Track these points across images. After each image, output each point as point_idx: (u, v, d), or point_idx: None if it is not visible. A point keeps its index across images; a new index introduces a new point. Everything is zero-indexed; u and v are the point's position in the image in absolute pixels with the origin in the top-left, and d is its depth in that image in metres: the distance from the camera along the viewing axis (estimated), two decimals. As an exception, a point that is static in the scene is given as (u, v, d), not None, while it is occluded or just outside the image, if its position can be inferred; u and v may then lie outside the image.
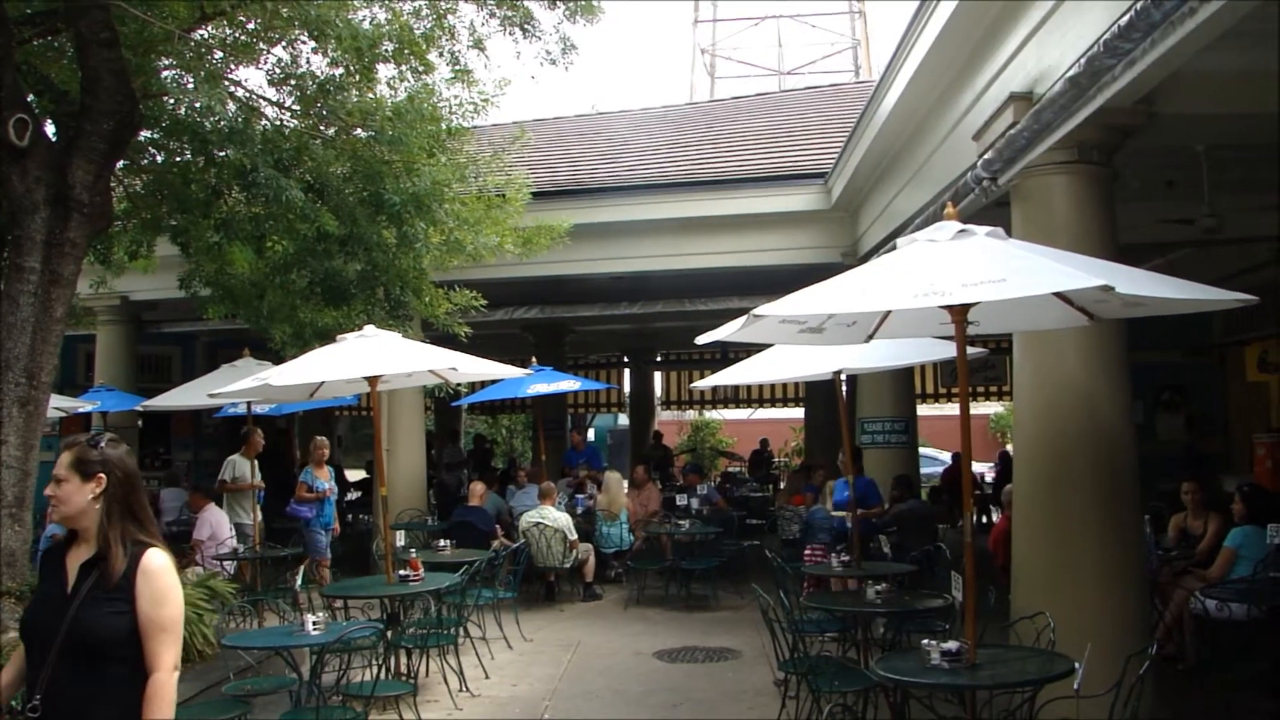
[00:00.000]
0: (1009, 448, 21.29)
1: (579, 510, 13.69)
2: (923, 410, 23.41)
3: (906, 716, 5.96)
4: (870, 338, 6.31)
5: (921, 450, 14.78)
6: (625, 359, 26.29)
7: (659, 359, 26.64)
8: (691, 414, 33.75)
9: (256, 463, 11.35)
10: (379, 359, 7.90)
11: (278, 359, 9.88)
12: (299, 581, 7.95)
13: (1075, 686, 4.85)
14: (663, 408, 29.70)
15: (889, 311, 6.09)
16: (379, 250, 9.52)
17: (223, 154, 8.51)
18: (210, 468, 19.28)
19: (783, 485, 19.73)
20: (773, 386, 26.75)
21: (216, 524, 10.87)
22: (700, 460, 25.51)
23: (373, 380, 8.14)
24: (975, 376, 21.57)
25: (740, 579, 11.64)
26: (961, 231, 5.12)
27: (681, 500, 13.61)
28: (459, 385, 10.46)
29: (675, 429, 32.33)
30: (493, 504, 12.90)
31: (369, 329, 8.34)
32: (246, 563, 10.67)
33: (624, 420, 32.56)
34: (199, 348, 19.42)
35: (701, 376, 23.49)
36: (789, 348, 8.01)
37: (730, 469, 24.45)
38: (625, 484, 13.92)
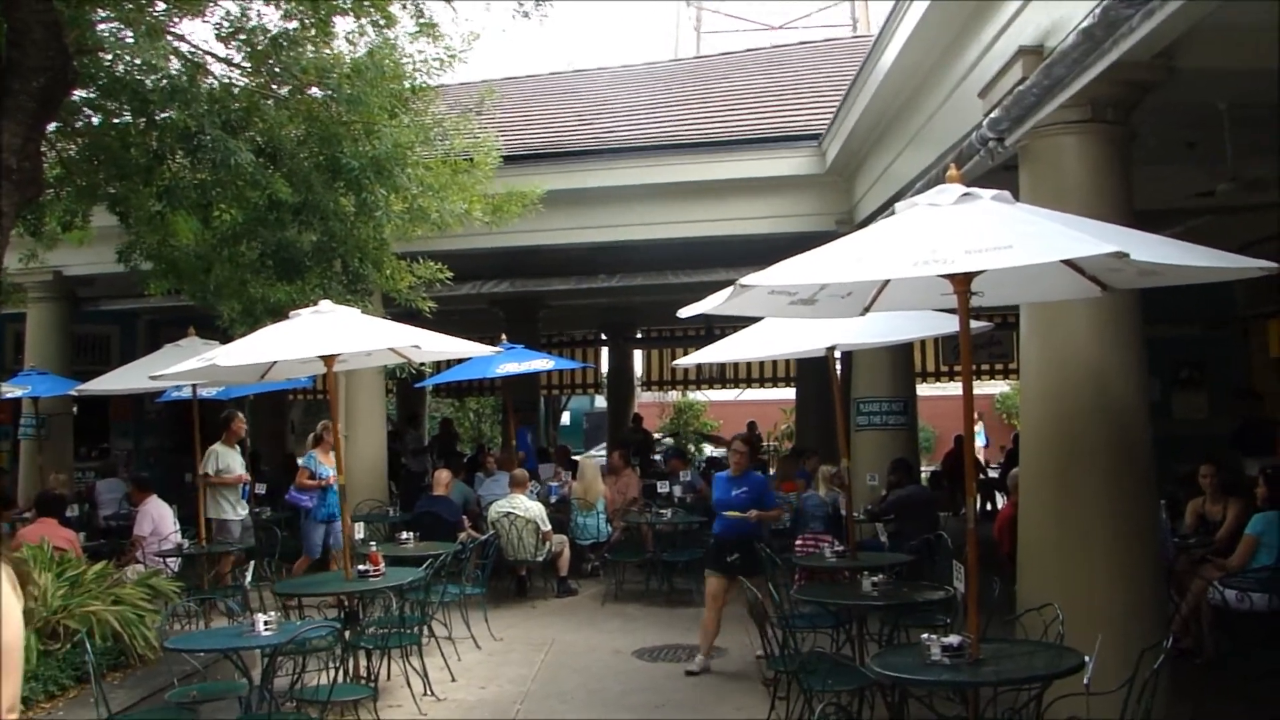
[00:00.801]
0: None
1: (553, 499, 13.69)
2: (923, 390, 23.49)
3: (905, 716, 5.99)
4: (867, 310, 6.31)
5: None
6: (603, 336, 26.27)
7: (639, 336, 26.62)
8: (674, 395, 33.81)
9: (239, 450, 11.41)
10: (336, 337, 7.87)
11: (226, 338, 9.83)
12: (249, 578, 7.92)
13: (1085, 682, 4.88)
14: (643, 388, 29.70)
15: (887, 281, 6.08)
16: (336, 219, 9.48)
17: (165, 115, 8.44)
18: (152, 456, 19.28)
19: (772, 471, 19.81)
20: (761, 365, 26.78)
21: (159, 518, 10.82)
22: (683, 445, 25.57)
23: (329, 360, 8.11)
24: (980, 353, 21.64)
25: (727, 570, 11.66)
26: (965, 195, 5.12)
27: (663, 488, 13.63)
28: (422, 365, 10.44)
29: (656, 411, 32.38)
30: (459, 493, 12.90)
31: (325, 304, 8.31)
32: (230, 556, 10.87)
33: (601, 402, 32.57)
34: (140, 327, 19.31)
35: (685, 354, 23.48)
36: (779, 322, 8.02)
37: (715, 453, 24.52)
38: (600, 474, 13.97)
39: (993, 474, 20.09)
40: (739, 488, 8.79)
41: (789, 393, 25.59)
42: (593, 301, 21.49)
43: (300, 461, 11.39)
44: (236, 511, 11.29)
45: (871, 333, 7.93)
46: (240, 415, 11.58)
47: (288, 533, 12.10)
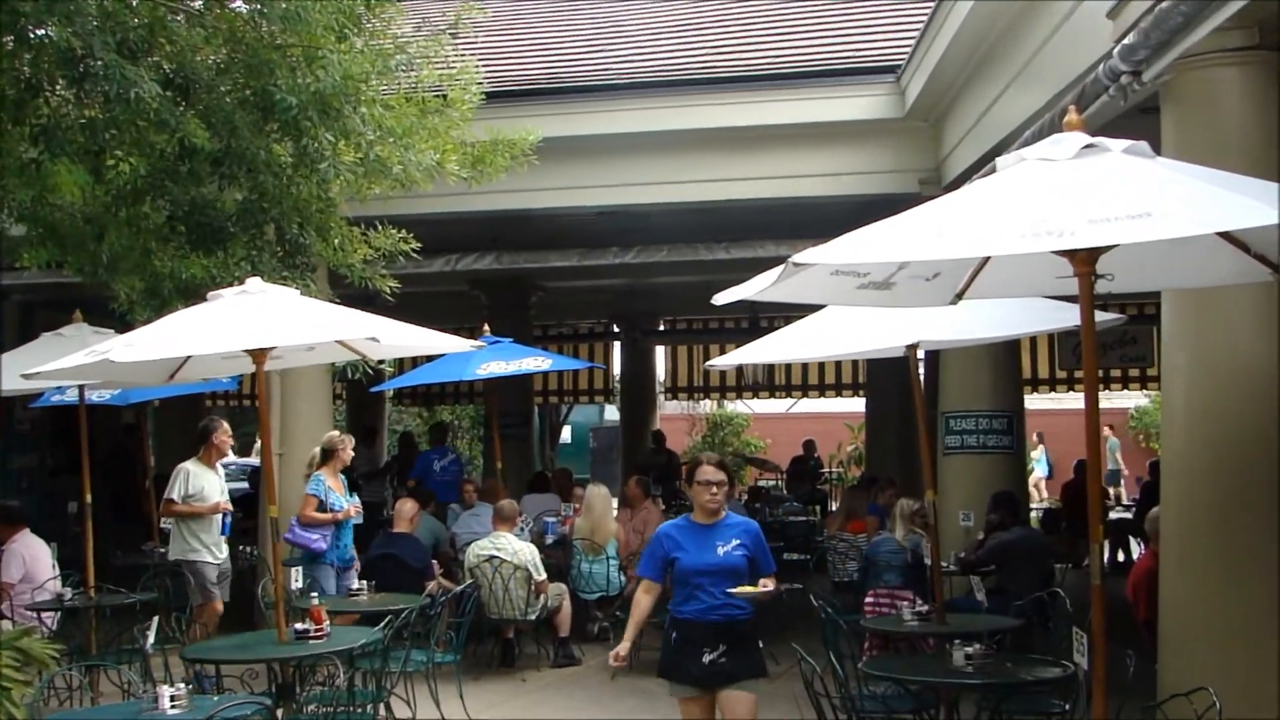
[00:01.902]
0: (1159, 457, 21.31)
1: (549, 539, 13.69)
2: (1034, 402, 23.43)
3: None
4: (959, 298, 6.30)
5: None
6: (615, 329, 26.31)
7: (662, 329, 26.66)
8: (707, 406, 33.80)
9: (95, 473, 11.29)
10: (267, 326, 7.86)
11: (123, 325, 9.83)
12: (151, 639, 7.92)
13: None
14: (667, 397, 29.72)
15: (986, 260, 6.07)
16: (268, 172, 9.47)
17: (42, 32, 8.43)
18: (25, 479, 19.32)
19: (834, 506, 19.75)
20: (821, 367, 26.74)
21: (32, 559, 10.75)
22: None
23: (259, 355, 8.10)
24: (1108, 354, 21.56)
25: (776, 636, 11.62)
26: (1089, 147, 5.09)
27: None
28: (381, 363, 10.43)
29: (684, 427, 32.41)
30: (428, 530, 12.90)
31: (253, 283, 8.29)
32: (211, 606, 10.97)
33: (613, 414, 32.55)
34: (8, 309, 19.32)
35: (721, 353, 23.52)
36: (844, 313, 7.99)
37: (762, 482, 24.49)
38: (614, 503, 13.93)
39: (1125, 513, 19.98)
40: (722, 541, 6.99)
41: (857, 404, 25.56)
42: (602, 284, 21.54)
43: (307, 489, 11.27)
44: (214, 552, 11.17)
45: (965, 327, 7.91)
46: (224, 425, 11.51)
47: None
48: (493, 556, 11.61)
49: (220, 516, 11.23)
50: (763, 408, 33.90)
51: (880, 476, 14.61)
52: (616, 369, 27.70)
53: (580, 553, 12.92)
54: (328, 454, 11.34)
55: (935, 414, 12.56)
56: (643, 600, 7.20)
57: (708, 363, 11.13)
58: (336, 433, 11.81)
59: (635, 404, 26.31)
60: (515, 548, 11.69)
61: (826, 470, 26.10)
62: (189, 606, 10.57)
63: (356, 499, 11.63)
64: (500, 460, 14.83)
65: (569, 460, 29.87)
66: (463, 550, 12.40)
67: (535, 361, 13.62)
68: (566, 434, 34.51)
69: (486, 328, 14.46)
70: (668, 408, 32.18)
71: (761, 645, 7.11)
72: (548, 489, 16.15)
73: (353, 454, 11.91)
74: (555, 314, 25.19)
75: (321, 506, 11.08)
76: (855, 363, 24.89)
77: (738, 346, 9.54)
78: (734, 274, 7.16)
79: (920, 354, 8.97)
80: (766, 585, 6.98)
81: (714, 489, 6.97)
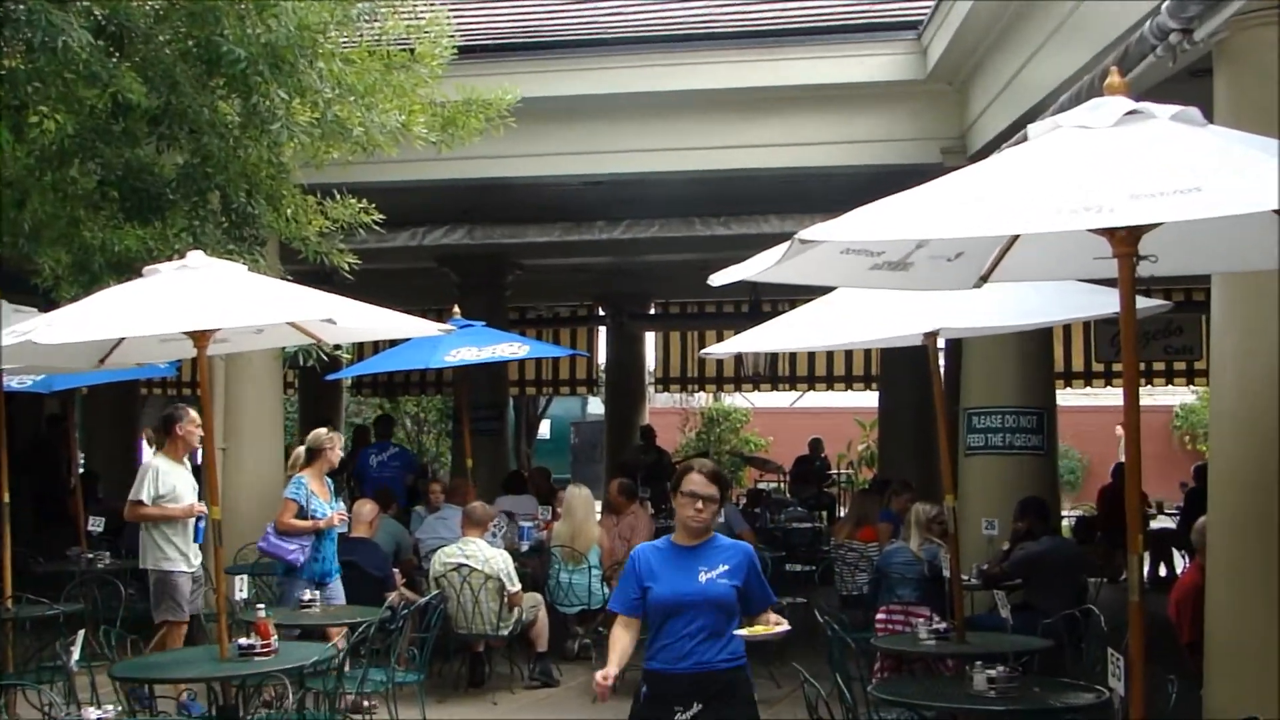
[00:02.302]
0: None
1: (524, 546, 13.71)
2: (1066, 398, 23.45)
3: None
4: (984, 280, 6.32)
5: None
6: (600, 312, 26.32)
7: (652, 313, 26.65)
8: (702, 399, 33.80)
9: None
10: (210, 305, 7.84)
11: (48, 303, 9.80)
12: (75, 656, 7.89)
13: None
14: (657, 389, 29.73)
15: (1014, 238, 6.09)
16: (212, 133, 9.44)
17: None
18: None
19: (843, 512, 19.77)
20: (830, 357, 26.77)
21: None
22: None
23: (200, 338, 8.08)
24: (1151, 345, 21.54)
25: (776, 655, 11.66)
26: (1132, 113, 5.10)
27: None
28: (338, 349, 10.42)
29: (677, 422, 32.43)
30: (389, 535, 12.88)
31: (195, 257, 8.28)
32: (177, 627, 10.72)
33: (597, 407, 32.54)
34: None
35: (718, 340, 23.54)
36: (856, 296, 7.99)
37: (762, 484, 24.49)
38: (597, 506, 13.94)
39: (1168, 521, 20.02)
40: (705, 566, 6.25)
41: (869, 399, 25.56)
42: (586, 262, 21.53)
43: (287, 492, 11.16)
44: (190, 560, 11.08)
45: (991, 313, 7.93)
46: (191, 414, 11.33)
47: (135, 589, 12.05)
48: (461, 565, 11.60)
49: (194, 520, 11.11)
50: (764, 401, 33.90)
51: (894, 479, 14.60)
52: (601, 357, 27.68)
53: (559, 561, 12.92)
54: (313, 454, 11.17)
55: (956, 410, 12.57)
56: (622, 637, 6.31)
57: (703, 351, 11.09)
58: (324, 430, 11.54)
59: (622, 396, 26.30)
60: (486, 555, 11.68)
61: (834, 471, 26.10)
62: (119, 619, 10.47)
63: (342, 505, 11.48)
64: (470, 458, 14.81)
65: (547, 458, 29.89)
66: (427, 557, 12.39)
67: (510, 348, 13.61)
68: (545, 429, 34.53)
69: (456, 310, 14.44)
70: (658, 401, 32.18)
71: (755, 698, 6.37)
72: (523, 490, 16.15)
73: (341, 454, 11.81)
74: (534, 295, 25.17)
75: (302, 513, 10.89)
76: (868, 352, 24.87)
77: (737, 333, 9.55)
78: (733, 252, 7.15)
79: (940, 343, 8.97)
80: (778, 623, 6.20)
81: (700, 504, 6.17)
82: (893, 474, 15.99)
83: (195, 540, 11.08)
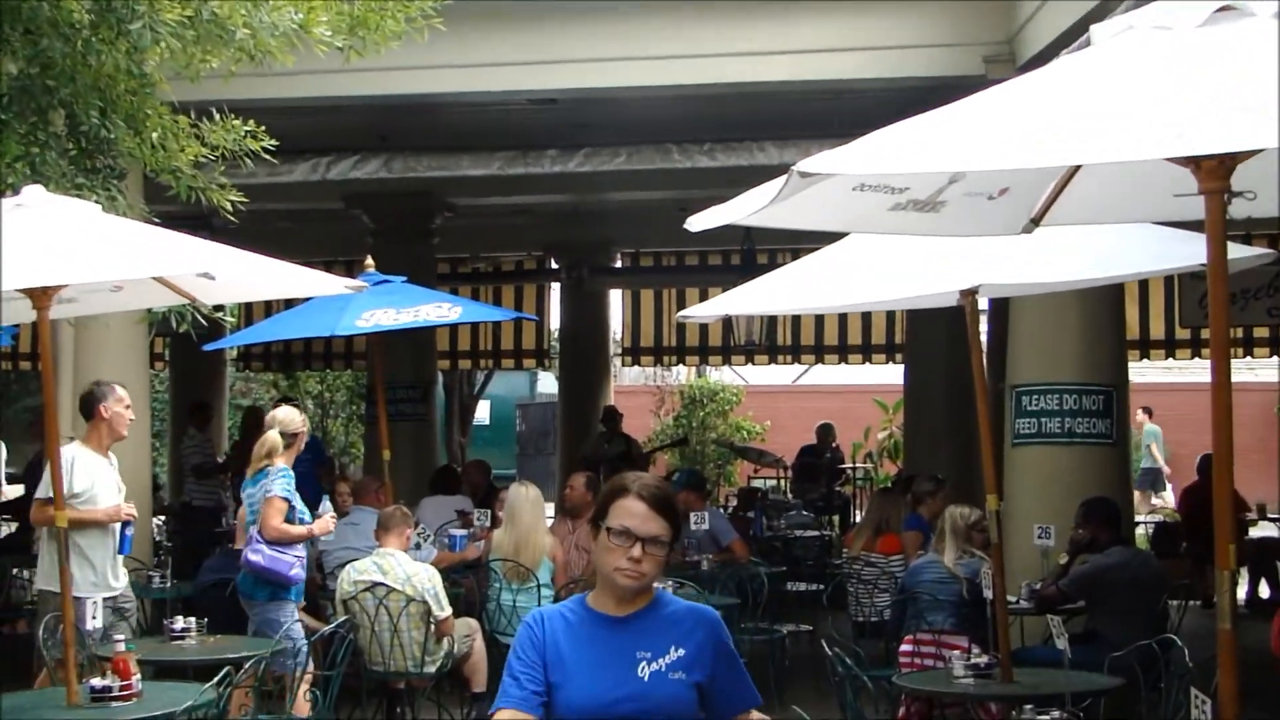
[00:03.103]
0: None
1: (456, 554, 13.75)
2: (1140, 373, 23.37)
3: None
4: (1036, 224, 6.35)
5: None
6: (552, 264, 26.33)
7: (619, 266, 26.66)
8: (681, 374, 33.82)
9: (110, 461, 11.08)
10: (53, 255, 7.81)
11: None
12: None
13: None
14: (625, 361, 29.77)
15: (1074, 170, 6.11)
16: (54, 35, 9.37)
17: None
18: None
19: (859, 517, 19.76)
20: (842, 322, 26.79)
21: None
22: (698, 466, 25.55)
23: (41, 297, 8.05)
24: (1250, 307, 21.48)
25: (775, 695, 11.69)
26: (1225, 10, 5.08)
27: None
28: (220, 311, 10.37)
29: (649, 403, 32.44)
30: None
31: (33, 193, 8.25)
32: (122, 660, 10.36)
33: (549, 385, 32.53)
34: None
35: (701, 300, 23.39)
36: (874, 244, 8.00)
37: (757, 481, 24.53)
38: (549, 510, 13.96)
39: (1270, 529, 20.07)
40: (648, 652, 4.99)
41: (892, 374, 25.62)
42: (535, 202, 21.60)
43: (274, 488, 11.10)
44: (109, 580, 10.87)
45: (1045, 266, 7.95)
46: (119, 391, 11.16)
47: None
48: (376, 584, 11.58)
49: (118, 528, 10.97)
50: (759, 378, 33.98)
51: (923, 475, 14.63)
52: (554, 322, 27.70)
53: (500, 579, 12.91)
54: (288, 440, 11.35)
55: (1002, 388, 12.59)
56: None
57: (682, 313, 11.04)
58: (296, 412, 11.73)
59: (580, 371, 26.35)
60: (408, 571, 11.66)
61: (848, 466, 26.11)
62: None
63: (329, 505, 11.78)
64: (388, 449, 14.70)
65: (486, 450, 29.93)
66: (333, 574, 12.38)
67: (439, 310, 13.55)
68: (483, 412, 34.55)
69: (370, 262, 14.38)
70: (626, 376, 32.27)
71: None
72: (456, 489, 16.16)
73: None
74: (469, 244, 25.20)
75: (291, 515, 11.09)
76: (890, 316, 24.99)
77: (725, 291, 9.53)
78: (720, 190, 7.14)
79: (982, 304, 9.00)
80: None
81: (636, 550, 4.87)
82: (922, 469, 16.02)
83: (121, 551, 10.88)
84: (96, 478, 10.68)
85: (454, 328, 25.17)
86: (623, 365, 29.90)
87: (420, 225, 20.21)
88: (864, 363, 28.06)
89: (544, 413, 32.85)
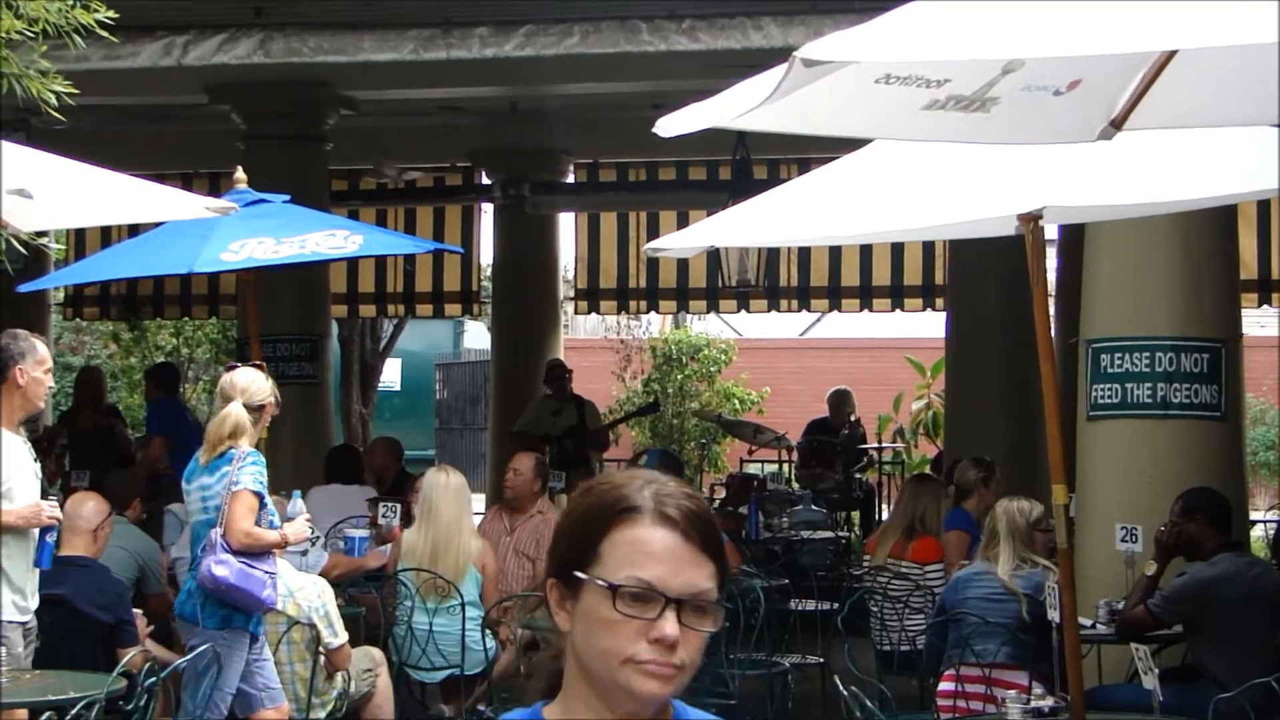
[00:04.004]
0: None
1: (354, 561, 13.75)
2: (1260, 324, 23.26)
3: None
4: (1116, 128, 6.37)
5: None
6: (484, 179, 26.32)
7: (571, 181, 26.66)
8: (653, 324, 33.85)
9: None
10: None
11: None
12: None
13: None
14: (579, 307, 29.77)
15: (1167, 57, 6.12)
16: None
17: None
18: None
19: (886, 512, 19.78)
20: (865, 257, 26.80)
21: None
22: (673, 445, 25.59)
23: None
24: None
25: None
26: None
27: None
28: (42, 238, 10.35)
29: (612, 362, 32.49)
30: (126, 553, 12.88)
31: None
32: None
33: (478, 338, 32.53)
34: None
35: (679, 227, 23.41)
36: (904, 155, 7.99)
37: (753, 464, 24.58)
38: (478, 503, 13.98)
39: None
40: None
41: (930, 325, 25.68)
42: (460, 96, 21.67)
43: (243, 479, 11.01)
44: (23, 600, 10.78)
45: (1128, 183, 8.00)
46: (38, 347, 10.98)
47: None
48: (249, 602, 11.61)
49: (37, 534, 10.82)
50: (756, 329, 34.04)
51: (970, 459, 14.65)
52: (486, 255, 27.69)
53: (413, 595, 12.93)
54: (255, 413, 11.32)
55: (1075, 344, 12.59)
56: None
57: (653, 244, 10.93)
58: (260, 376, 11.55)
59: (520, 320, 26.36)
60: (291, 585, 11.68)
61: (872, 445, 26.08)
62: None
63: (300, 503, 11.70)
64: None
65: (397, 424, 29.98)
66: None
67: (333, 239, 13.52)
68: (392, 373, 34.55)
69: (241, 175, 14.34)
70: (581, 327, 32.28)
71: None
72: (356, 477, 16.20)
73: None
74: (373, 153, 25.16)
75: (263, 520, 11.09)
76: (927, 249, 25.08)
77: (711, 215, 9.52)
78: (704, 82, 7.12)
79: (1049, 232, 8.97)
80: None
81: (669, 624, 3.43)
82: (968, 450, 16.05)
83: (39, 564, 10.80)
84: (14, 465, 10.67)
85: (353, 263, 25.16)
86: (576, 312, 29.88)
87: (308, 127, 20.15)
88: (893, 310, 27.98)
89: (472, 374, 32.91)
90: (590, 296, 29.02)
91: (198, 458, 11.46)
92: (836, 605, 14.53)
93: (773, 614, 13.66)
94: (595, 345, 32.99)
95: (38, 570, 10.74)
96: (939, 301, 24.41)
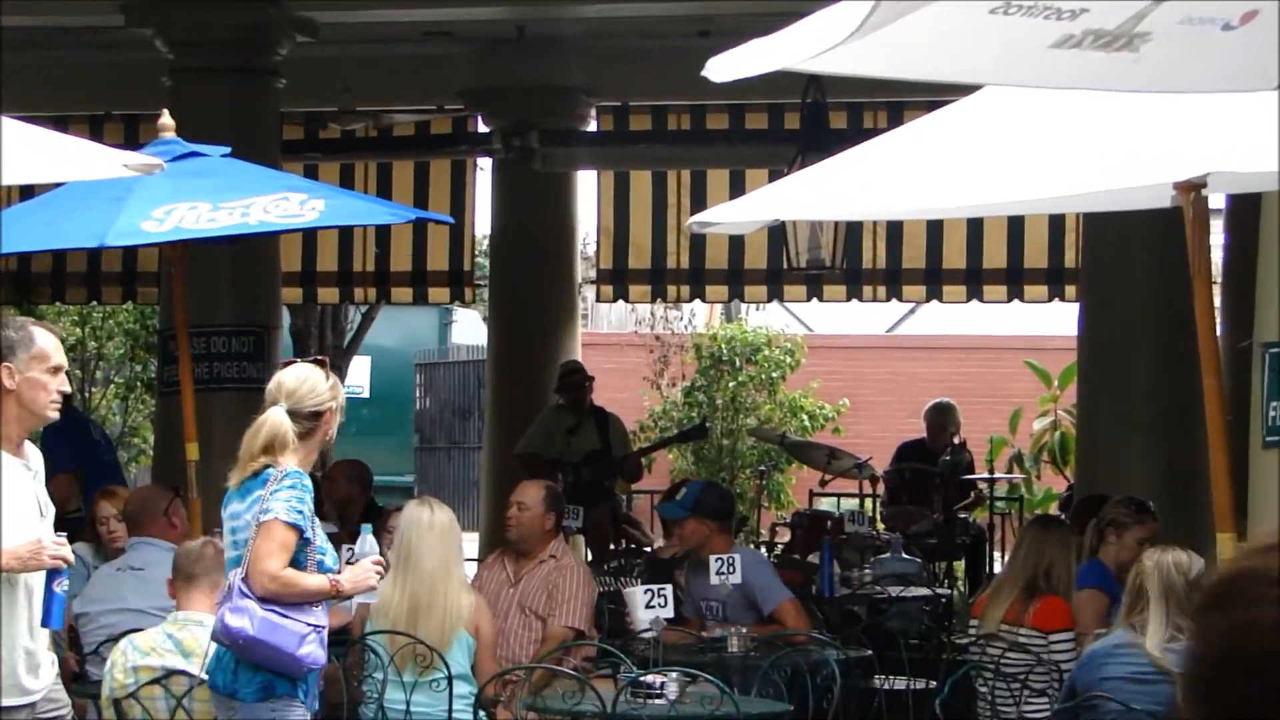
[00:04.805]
0: None
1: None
2: None
3: None
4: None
5: None
6: (480, 129, 26.36)
7: (593, 130, 26.68)
8: (697, 315, 33.90)
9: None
10: None
11: None
12: None
13: None
14: (602, 294, 29.81)
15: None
16: None
17: None
18: None
19: (996, 568, 19.75)
20: (973, 234, 26.80)
21: None
22: (722, 475, 25.65)
23: None
24: None
25: None
26: None
27: (652, 605, 13.69)
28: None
29: (644, 364, 32.53)
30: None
31: None
32: None
33: (470, 330, 32.62)
34: None
35: (732, 194, 23.39)
36: (1027, 104, 8.00)
37: (825, 498, 24.66)
38: (470, 546, 13.99)
39: None
40: None
41: (1057, 321, 25.68)
42: (449, 19, 21.68)
43: (275, 506, 10.94)
44: (21, 673, 10.65)
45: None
46: (38, 339, 10.79)
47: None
48: (171, 671, 11.64)
49: (40, 581, 10.57)
50: (831, 323, 34.06)
51: (1109, 498, 14.67)
52: (482, 226, 27.77)
53: (387, 664, 12.96)
54: (308, 423, 11.20)
55: (1247, 349, 12.60)
56: None
57: (700, 216, 10.96)
58: (317, 374, 11.24)
59: (525, 308, 26.47)
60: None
61: (982, 477, 26.01)
62: None
63: (371, 541, 11.42)
64: (192, 438, 14.73)
65: (365, 441, 30.13)
66: (97, 653, 12.41)
67: (286, 205, 13.57)
68: (359, 376, 34.60)
69: (168, 121, 14.39)
70: (604, 318, 32.30)
71: None
72: (316, 511, 16.19)
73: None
74: (338, 92, 25.23)
75: (300, 555, 10.87)
76: (1054, 224, 25.07)
77: (772, 179, 9.56)
78: (765, 4, 7.16)
79: (1214, 201, 8.98)
80: None
81: None
82: (1106, 484, 16.05)
83: (46, 623, 10.61)
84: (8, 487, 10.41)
85: (311, 235, 25.22)
86: (598, 300, 29.88)
87: (254, 58, 20.19)
88: (1010, 300, 28.02)
89: (462, 378, 33.00)
90: (617, 279, 29.07)
91: (229, 480, 11.19)
92: (934, 684, 14.59)
93: (852, 693, 13.69)
94: (622, 342, 33.02)
95: (47, 631, 10.59)
96: (1069, 290, 24.42)
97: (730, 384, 32.09)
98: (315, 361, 11.94)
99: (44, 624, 10.45)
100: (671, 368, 32.62)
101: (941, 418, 24.28)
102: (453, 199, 27.44)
